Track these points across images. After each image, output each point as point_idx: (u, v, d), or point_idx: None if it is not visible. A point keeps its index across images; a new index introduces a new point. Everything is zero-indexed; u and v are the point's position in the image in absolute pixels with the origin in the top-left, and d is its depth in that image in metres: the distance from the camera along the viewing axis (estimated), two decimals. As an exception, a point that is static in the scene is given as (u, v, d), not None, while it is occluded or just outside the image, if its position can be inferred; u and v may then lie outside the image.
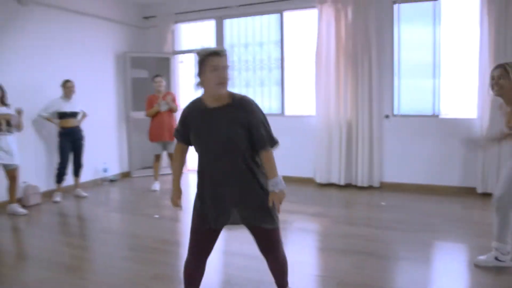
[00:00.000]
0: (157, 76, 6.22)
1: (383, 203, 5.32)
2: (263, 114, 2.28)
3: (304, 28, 6.61)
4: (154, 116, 6.17)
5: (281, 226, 2.45)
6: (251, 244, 2.53)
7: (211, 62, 2.13)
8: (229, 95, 2.23)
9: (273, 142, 2.27)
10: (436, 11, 5.82)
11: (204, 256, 2.40)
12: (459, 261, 3.45)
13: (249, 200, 2.27)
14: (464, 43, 5.75)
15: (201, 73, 2.19)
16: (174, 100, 6.29)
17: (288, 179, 5.96)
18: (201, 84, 2.22)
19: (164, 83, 6.23)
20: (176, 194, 2.51)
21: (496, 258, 3.25)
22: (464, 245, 3.85)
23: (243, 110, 2.21)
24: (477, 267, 3.26)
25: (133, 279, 3.22)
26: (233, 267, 3.46)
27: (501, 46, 5.30)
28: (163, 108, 6.12)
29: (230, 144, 2.18)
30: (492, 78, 3.16)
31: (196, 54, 2.22)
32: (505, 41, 5.29)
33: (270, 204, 2.26)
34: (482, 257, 3.33)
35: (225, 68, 2.16)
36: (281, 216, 2.40)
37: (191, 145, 2.35)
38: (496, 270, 3.19)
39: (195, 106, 2.28)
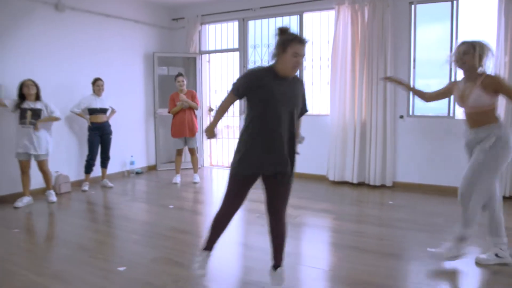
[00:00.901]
0: (179, 75, 6.55)
1: (391, 202, 5.41)
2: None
3: (323, 29, 6.76)
4: (176, 113, 6.51)
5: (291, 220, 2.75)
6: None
7: (294, 48, 2.55)
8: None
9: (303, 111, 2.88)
10: (453, 11, 5.83)
11: (238, 209, 2.87)
12: (464, 262, 3.48)
13: (292, 155, 2.75)
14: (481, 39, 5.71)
15: (281, 51, 2.60)
16: (194, 97, 6.60)
17: (302, 176, 6.31)
18: (277, 58, 2.64)
19: (185, 82, 6.56)
20: (213, 125, 2.91)
21: (497, 255, 3.31)
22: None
23: (301, 85, 2.80)
24: (479, 265, 3.33)
25: (135, 260, 3.53)
26: (251, 260, 3.64)
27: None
28: (185, 105, 6.45)
29: (294, 109, 2.71)
30: (458, 52, 3.21)
31: (280, 31, 2.64)
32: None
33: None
34: (483, 256, 3.38)
35: (302, 56, 2.61)
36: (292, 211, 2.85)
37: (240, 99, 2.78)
38: (496, 268, 3.25)
39: (268, 73, 2.66)
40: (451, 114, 5.86)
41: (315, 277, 3.23)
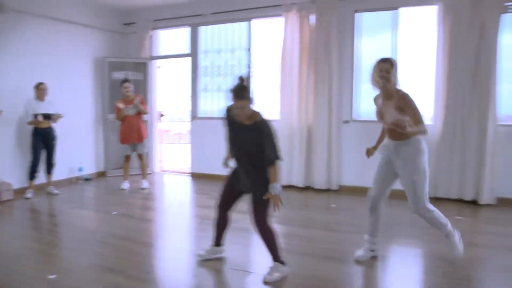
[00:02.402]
0: (125, 81, 6.49)
1: (333, 206, 5.53)
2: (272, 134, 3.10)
3: (271, 36, 6.86)
4: (124, 119, 6.44)
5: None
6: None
7: (233, 101, 3.02)
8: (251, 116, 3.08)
9: (273, 158, 3.09)
10: (394, 20, 6.04)
11: (227, 209, 3.45)
12: (397, 262, 3.61)
13: (255, 183, 3.18)
14: (421, 50, 5.96)
15: None
16: (142, 103, 6.54)
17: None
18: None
19: (131, 87, 6.49)
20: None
21: (371, 250, 3.60)
22: (404, 247, 4.06)
23: (257, 132, 3.07)
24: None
25: (68, 267, 3.48)
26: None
27: (457, 53, 5.54)
28: (131, 112, 6.39)
29: (248, 152, 3.15)
30: (380, 70, 3.26)
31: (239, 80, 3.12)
32: (460, 49, 5.52)
33: (266, 197, 3.09)
34: (360, 253, 3.62)
35: (240, 108, 3.02)
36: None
37: None
38: (441, 273, 3.36)
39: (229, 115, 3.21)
40: (393, 119, 6.05)
41: (255, 281, 3.27)
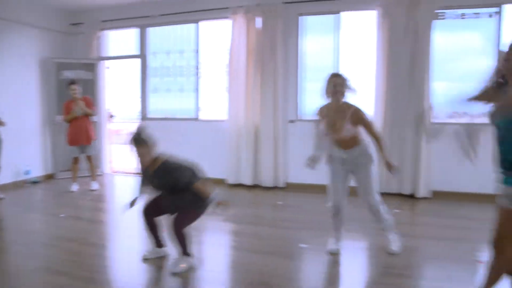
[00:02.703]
0: (72, 83, 6.44)
1: (280, 203, 5.75)
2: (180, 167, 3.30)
3: (219, 37, 7.00)
4: (71, 121, 6.40)
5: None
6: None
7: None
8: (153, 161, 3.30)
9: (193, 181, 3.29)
10: (336, 23, 6.33)
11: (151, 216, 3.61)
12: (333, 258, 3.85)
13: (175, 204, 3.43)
14: (362, 52, 6.28)
15: None
16: (89, 104, 6.51)
17: (202, 180, 6.44)
18: None
19: (78, 89, 6.44)
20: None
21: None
22: (349, 241, 4.27)
23: (166, 173, 3.30)
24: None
25: (12, 271, 3.49)
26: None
27: (394, 54, 5.89)
28: (79, 113, 6.36)
29: (166, 190, 3.43)
30: (335, 85, 3.51)
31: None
32: (397, 51, 5.87)
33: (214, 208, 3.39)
34: (332, 247, 3.80)
35: (140, 156, 3.31)
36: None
37: None
38: (383, 262, 3.63)
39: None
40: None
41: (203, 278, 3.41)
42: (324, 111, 3.66)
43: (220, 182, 6.83)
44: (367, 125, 3.55)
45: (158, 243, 3.71)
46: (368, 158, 3.61)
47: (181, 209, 3.38)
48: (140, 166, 3.43)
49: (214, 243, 4.32)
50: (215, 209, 3.39)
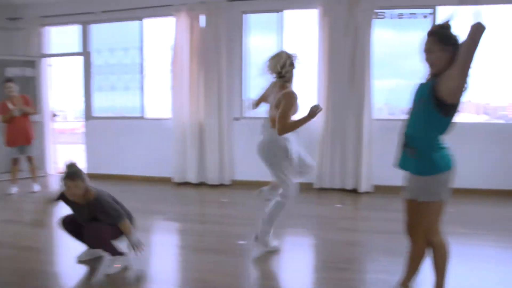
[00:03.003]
0: (7, 81, 6.20)
1: (224, 200, 5.78)
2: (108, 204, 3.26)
3: (163, 35, 6.92)
4: (9, 121, 6.16)
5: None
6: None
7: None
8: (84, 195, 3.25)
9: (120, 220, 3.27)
10: (279, 21, 6.39)
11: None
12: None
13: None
14: (305, 50, 6.35)
15: None
16: (27, 103, 6.29)
17: (148, 180, 6.42)
18: None
19: (15, 87, 6.21)
20: None
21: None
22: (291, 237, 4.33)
23: (94, 207, 3.27)
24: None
25: None
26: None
27: (336, 53, 6.01)
28: (17, 113, 6.13)
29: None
30: (284, 65, 3.49)
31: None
32: (338, 49, 5.99)
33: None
34: (275, 243, 3.81)
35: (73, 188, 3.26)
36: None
37: None
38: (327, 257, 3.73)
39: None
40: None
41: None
42: (271, 86, 3.67)
43: (167, 180, 6.78)
44: (281, 109, 3.41)
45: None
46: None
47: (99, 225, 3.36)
48: (70, 199, 3.36)
49: (158, 242, 4.29)
50: (129, 249, 3.38)
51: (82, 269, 3.45)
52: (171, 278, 3.38)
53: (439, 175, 2.41)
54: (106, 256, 3.44)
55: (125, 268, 3.36)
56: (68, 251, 3.89)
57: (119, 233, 3.37)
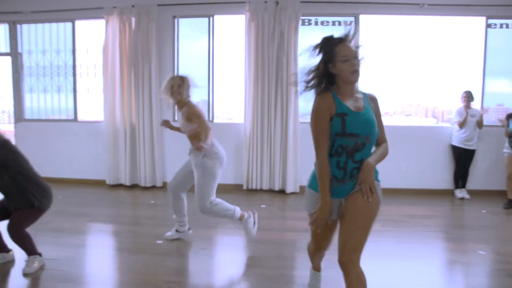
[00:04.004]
0: None
1: (152, 202, 5.91)
2: None
3: (95, 37, 6.92)
4: None
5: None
6: None
7: None
8: None
9: None
10: (210, 26, 6.56)
11: None
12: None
13: None
14: (234, 55, 6.57)
15: None
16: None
17: (81, 182, 6.43)
18: None
19: None
20: None
21: (177, 230, 4.17)
22: (220, 236, 4.49)
23: None
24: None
25: None
26: None
27: (262, 58, 6.24)
28: None
29: None
30: (172, 86, 3.77)
31: None
32: (264, 54, 6.23)
33: None
34: (168, 233, 4.20)
35: None
36: None
37: None
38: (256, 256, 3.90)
39: None
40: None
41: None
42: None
43: (100, 183, 6.81)
44: (196, 122, 3.70)
45: (3, 248, 3.68)
46: (202, 162, 3.76)
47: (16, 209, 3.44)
48: None
49: (89, 244, 4.40)
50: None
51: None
52: (101, 279, 3.49)
53: None
54: (24, 255, 3.50)
55: (41, 267, 3.48)
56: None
57: (34, 215, 3.50)
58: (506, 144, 5.82)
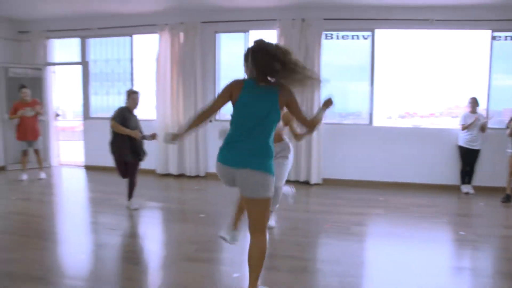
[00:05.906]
0: (22, 87, 7.49)
1: (196, 187, 7.09)
2: None
3: (149, 49, 8.20)
4: (21, 119, 7.43)
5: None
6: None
7: None
8: None
9: None
10: (246, 40, 7.66)
11: None
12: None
13: None
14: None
15: None
16: (38, 105, 7.60)
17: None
18: None
19: (29, 93, 7.50)
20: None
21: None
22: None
23: None
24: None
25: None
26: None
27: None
28: (29, 113, 7.41)
29: None
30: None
31: None
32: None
33: None
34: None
35: None
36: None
37: None
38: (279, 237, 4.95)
39: None
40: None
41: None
42: None
43: (151, 172, 8.06)
44: None
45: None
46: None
47: None
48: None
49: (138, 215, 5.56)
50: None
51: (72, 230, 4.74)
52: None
53: None
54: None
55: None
56: (66, 219, 5.18)
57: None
58: (509, 144, 6.40)
